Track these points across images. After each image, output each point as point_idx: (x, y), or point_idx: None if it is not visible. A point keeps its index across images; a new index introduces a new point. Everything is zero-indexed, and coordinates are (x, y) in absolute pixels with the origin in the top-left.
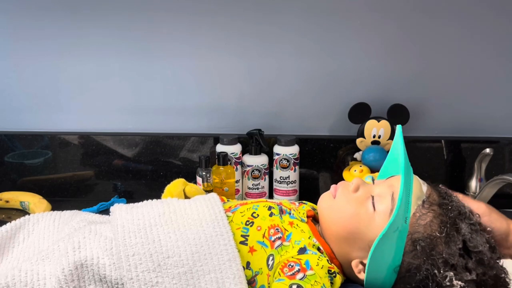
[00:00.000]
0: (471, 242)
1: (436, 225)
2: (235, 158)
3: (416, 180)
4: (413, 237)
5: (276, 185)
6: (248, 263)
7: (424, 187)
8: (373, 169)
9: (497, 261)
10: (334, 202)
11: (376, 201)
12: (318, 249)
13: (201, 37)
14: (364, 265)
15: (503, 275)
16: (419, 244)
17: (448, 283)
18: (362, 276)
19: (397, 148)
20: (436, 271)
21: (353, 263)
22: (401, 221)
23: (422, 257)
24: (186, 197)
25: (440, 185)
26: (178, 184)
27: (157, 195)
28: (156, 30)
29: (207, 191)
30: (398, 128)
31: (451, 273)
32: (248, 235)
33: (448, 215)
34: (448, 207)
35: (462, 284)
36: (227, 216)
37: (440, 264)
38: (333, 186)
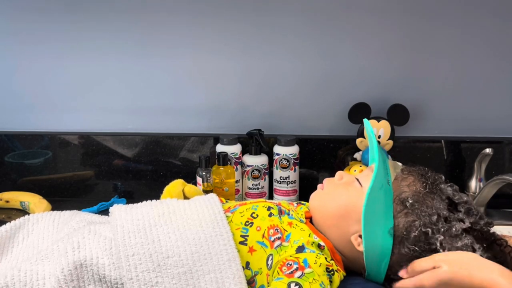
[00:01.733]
0: (455, 196)
1: (419, 184)
2: (235, 158)
3: (391, 160)
4: (400, 197)
5: (276, 185)
6: (247, 263)
7: (400, 163)
8: None
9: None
10: (323, 192)
11: (361, 180)
12: (319, 246)
13: (201, 38)
14: (362, 237)
15: (492, 226)
16: (408, 201)
17: (443, 235)
18: (361, 248)
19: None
20: (430, 225)
21: (352, 238)
22: (384, 180)
23: (413, 213)
24: (185, 197)
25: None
26: (177, 184)
27: (157, 195)
28: (156, 31)
29: (207, 191)
30: (365, 120)
31: (446, 225)
32: (247, 235)
33: (428, 178)
34: (426, 173)
35: (459, 230)
36: (227, 216)
37: (433, 217)
38: (319, 184)
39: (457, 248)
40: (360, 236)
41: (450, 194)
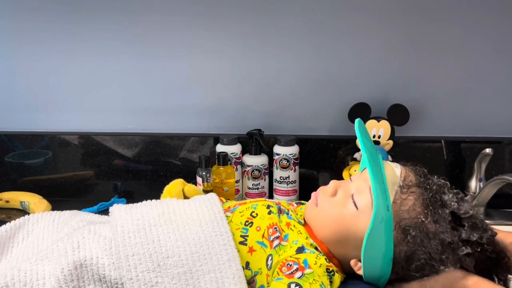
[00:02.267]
0: (460, 209)
1: (419, 207)
2: (235, 158)
3: (388, 166)
4: (401, 224)
5: (276, 185)
6: (247, 263)
7: (398, 170)
8: None
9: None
10: (318, 210)
11: (356, 199)
12: (316, 248)
13: (201, 38)
14: (361, 261)
15: (495, 235)
16: (410, 233)
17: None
18: (361, 272)
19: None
20: (434, 254)
21: (352, 263)
22: (384, 211)
23: (415, 244)
24: (185, 197)
25: (418, 164)
26: (177, 184)
27: (157, 195)
28: (156, 31)
29: (207, 191)
30: (356, 121)
31: (449, 251)
32: (247, 236)
33: (428, 193)
34: (425, 185)
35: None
36: (226, 216)
37: (436, 246)
38: (313, 194)
39: (460, 267)
40: (359, 261)
41: (454, 208)
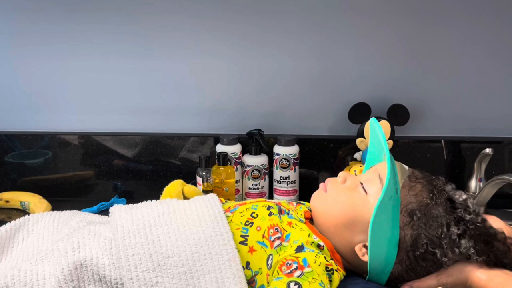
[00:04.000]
0: (456, 194)
1: (426, 193)
2: (235, 158)
3: (397, 162)
4: (407, 208)
5: (276, 185)
6: (247, 263)
7: (406, 166)
8: None
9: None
10: (327, 195)
11: (366, 186)
12: (318, 246)
13: (201, 38)
14: (367, 247)
15: (487, 222)
16: (416, 214)
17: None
18: (366, 258)
19: (375, 138)
20: (436, 239)
21: (357, 248)
22: (393, 191)
23: (420, 227)
24: (185, 197)
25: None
26: (176, 185)
27: (157, 195)
28: (156, 31)
29: (207, 191)
30: (373, 120)
31: (448, 234)
32: (247, 235)
33: (433, 184)
34: (430, 179)
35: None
36: (227, 216)
37: (439, 230)
38: (321, 184)
39: (459, 253)
40: (364, 246)
41: (450, 194)
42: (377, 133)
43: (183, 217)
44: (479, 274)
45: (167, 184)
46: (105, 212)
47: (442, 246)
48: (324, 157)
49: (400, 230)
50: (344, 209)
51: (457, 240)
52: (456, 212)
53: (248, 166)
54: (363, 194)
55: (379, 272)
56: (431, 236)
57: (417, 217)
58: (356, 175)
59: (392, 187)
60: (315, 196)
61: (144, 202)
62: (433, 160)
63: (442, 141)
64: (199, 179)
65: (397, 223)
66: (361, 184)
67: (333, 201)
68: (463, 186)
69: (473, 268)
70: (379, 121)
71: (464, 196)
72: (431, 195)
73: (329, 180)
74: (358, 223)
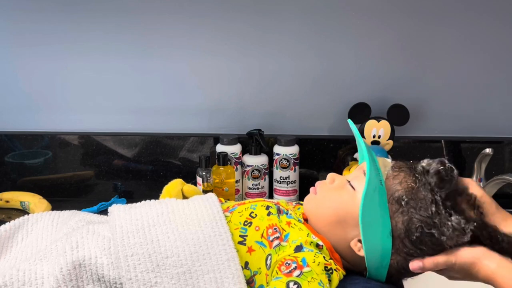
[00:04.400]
0: (430, 165)
1: (410, 179)
2: (235, 158)
3: (380, 158)
4: (394, 196)
5: (276, 185)
6: (246, 263)
7: (389, 159)
8: None
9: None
10: (317, 196)
11: (353, 183)
12: (317, 245)
13: (201, 38)
14: (361, 241)
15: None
16: (403, 200)
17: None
18: (362, 253)
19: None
20: (428, 218)
21: (352, 243)
22: (377, 182)
23: (409, 211)
24: (184, 197)
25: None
26: (176, 184)
27: (157, 195)
28: (156, 31)
29: (207, 191)
30: (349, 121)
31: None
32: (246, 235)
33: (415, 167)
34: (413, 165)
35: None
36: (225, 216)
37: (429, 210)
38: (311, 188)
39: (453, 228)
40: (359, 240)
41: (425, 165)
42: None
43: (182, 217)
44: (487, 262)
45: (167, 184)
46: (105, 212)
47: (436, 225)
48: (324, 157)
49: (391, 219)
50: (334, 207)
51: (448, 214)
52: (439, 187)
53: (248, 166)
54: (351, 190)
55: (377, 266)
56: (422, 217)
57: (405, 202)
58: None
59: (374, 179)
60: (306, 200)
61: (143, 202)
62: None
63: (442, 141)
64: (199, 179)
65: (386, 213)
66: (348, 182)
67: (322, 201)
68: None
69: (481, 254)
70: (378, 121)
71: (435, 166)
72: (414, 178)
73: (318, 183)
74: (349, 219)
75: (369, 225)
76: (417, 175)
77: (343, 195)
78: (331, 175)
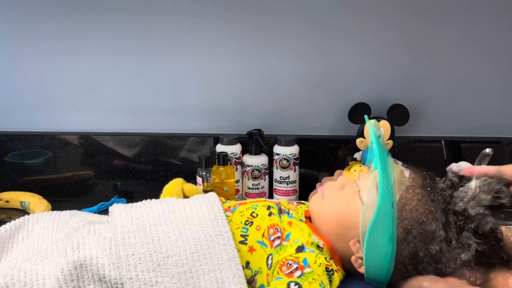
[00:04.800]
0: (455, 203)
1: (422, 208)
2: (235, 158)
3: (398, 168)
4: (403, 224)
5: (276, 185)
6: (247, 263)
7: (407, 172)
8: None
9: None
10: (324, 202)
11: (362, 195)
12: (318, 246)
13: (201, 38)
14: (362, 259)
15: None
16: (411, 233)
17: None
18: (362, 270)
19: (371, 141)
20: (436, 256)
21: (353, 259)
22: (388, 206)
23: (416, 244)
24: (185, 196)
25: (425, 172)
26: (176, 183)
27: (157, 195)
28: (156, 31)
29: (207, 191)
30: (368, 122)
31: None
32: (247, 235)
33: (432, 194)
34: (430, 187)
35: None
36: (226, 216)
37: (437, 246)
38: (320, 188)
39: (454, 256)
40: (360, 258)
41: (451, 206)
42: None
43: (182, 216)
44: None
45: (167, 184)
46: (105, 212)
47: (443, 261)
48: (324, 157)
49: (397, 245)
50: (340, 217)
51: (455, 232)
52: (456, 224)
53: (248, 166)
54: (359, 203)
55: (377, 281)
56: (431, 253)
57: (412, 236)
58: (358, 175)
59: (386, 203)
60: (313, 201)
61: (143, 201)
62: (433, 160)
63: (442, 141)
64: (199, 179)
65: (394, 236)
66: (359, 192)
67: (329, 208)
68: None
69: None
70: (378, 121)
71: (462, 205)
72: (427, 211)
73: (327, 185)
74: (353, 232)
75: (374, 248)
76: (431, 209)
77: (350, 206)
78: (341, 179)
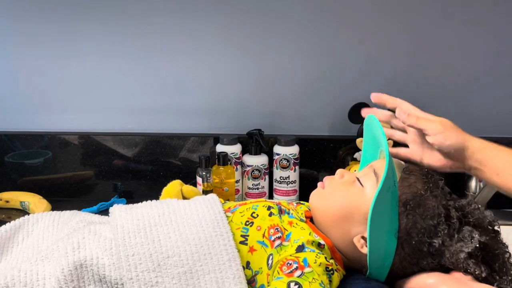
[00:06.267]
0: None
1: (420, 184)
2: (235, 158)
3: (394, 159)
4: (401, 198)
5: (276, 185)
6: (248, 263)
7: (402, 162)
8: None
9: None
10: (325, 191)
11: (362, 180)
12: (318, 245)
13: (201, 38)
14: (365, 239)
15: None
16: (409, 204)
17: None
18: (365, 250)
19: (369, 137)
20: (432, 227)
21: (355, 240)
22: (391, 183)
23: (414, 217)
24: (184, 197)
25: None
26: (175, 185)
27: (157, 195)
28: (156, 30)
29: (207, 191)
30: (370, 117)
31: (445, 224)
32: (248, 235)
33: (429, 176)
34: (425, 172)
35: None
36: (227, 216)
37: (434, 220)
38: (319, 183)
39: (457, 249)
40: (362, 237)
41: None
42: (372, 130)
43: (183, 217)
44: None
45: (167, 184)
46: (105, 212)
47: (438, 235)
48: (324, 157)
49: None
50: (342, 202)
51: (457, 226)
52: (454, 204)
53: (248, 166)
54: (360, 187)
55: (379, 266)
56: (426, 226)
57: (411, 207)
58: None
59: (390, 179)
60: (313, 194)
61: (144, 202)
62: None
63: None
64: (199, 179)
65: (396, 214)
66: (358, 178)
67: (330, 195)
68: (463, 186)
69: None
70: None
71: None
72: (425, 187)
73: (327, 178)
74: (356, 215)
75: (377, 224)
76: (430, 184)
77: (351, 191)
78: (340, 171)
